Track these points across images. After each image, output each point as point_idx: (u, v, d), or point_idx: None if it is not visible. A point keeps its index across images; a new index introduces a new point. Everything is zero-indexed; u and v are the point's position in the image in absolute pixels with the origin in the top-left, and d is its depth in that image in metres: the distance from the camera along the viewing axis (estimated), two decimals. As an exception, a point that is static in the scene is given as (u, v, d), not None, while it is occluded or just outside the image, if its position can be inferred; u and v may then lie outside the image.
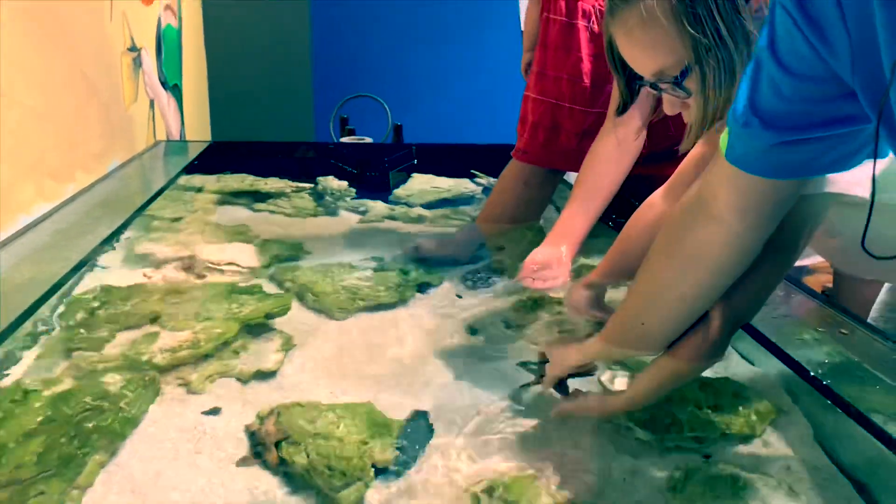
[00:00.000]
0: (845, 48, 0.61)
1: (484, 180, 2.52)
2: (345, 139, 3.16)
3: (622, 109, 1.21)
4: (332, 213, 2.10)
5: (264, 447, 0.95)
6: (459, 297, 1.49)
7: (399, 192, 2.32)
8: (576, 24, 1.70)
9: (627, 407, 1.00)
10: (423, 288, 1.51)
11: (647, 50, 0.97)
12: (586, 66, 1.71)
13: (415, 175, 2.52)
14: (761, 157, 0.75)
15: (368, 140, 3.16)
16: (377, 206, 2.14)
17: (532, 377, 1.14)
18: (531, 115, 1.81)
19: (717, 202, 0.83)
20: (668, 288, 0.91)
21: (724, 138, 0.79)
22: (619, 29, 0.98)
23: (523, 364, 1.19)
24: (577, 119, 1.74)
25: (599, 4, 1.69)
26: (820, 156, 0.73)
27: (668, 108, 1.03)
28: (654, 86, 0.99)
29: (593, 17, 1.69)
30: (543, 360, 1.12)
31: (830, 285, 1.89)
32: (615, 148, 1.51)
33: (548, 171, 1.87)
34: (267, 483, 0.90)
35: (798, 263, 1.60)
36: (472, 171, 2.58)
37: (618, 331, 1.00)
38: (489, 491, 0.88)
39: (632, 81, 1.08)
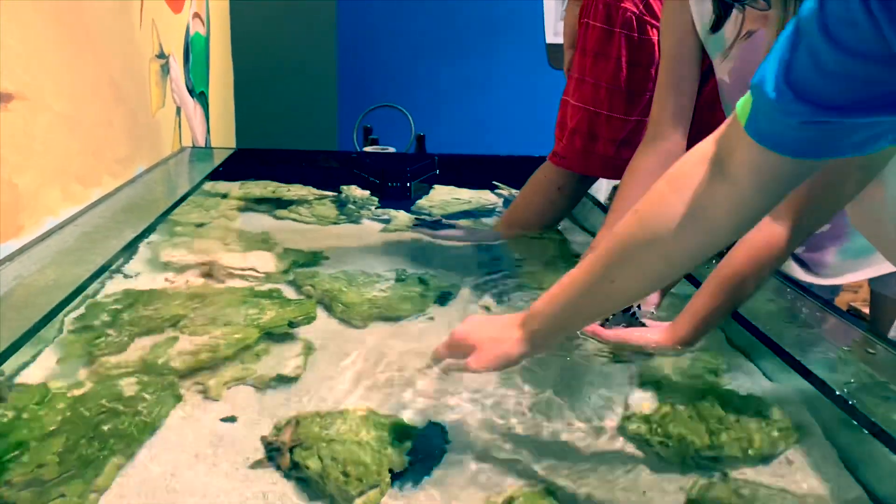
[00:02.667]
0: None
1: (505, 191, 2.52)
2: (368, 149, 3.17)
3: (716, 26, 1.15)
4: (355, 221, 2.11)
5: (279, 453, 0.95)
6: (488, 309, 1.48)
7: (421, 202, 2.33)
8: (615, 31, 1.70)
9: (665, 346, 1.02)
10: (443, 299, 1.51)
11: None
12: (624, 74, 1.71)
13: (437, 186, 2.52)
14: (786, 133, 0.68)
15: (392, 150, 3.17)
16: (399, 216, 2.14)
17: None
18: (570, 120, 1.81)
19: (732, 160, 0.76)
20: (652, 244, 0.82)
21: (742, 106, 0.72)
22: None
23: None
24: (614, 127, 1.73)
25: (640, 11, 1.68)
26: (850, 135, 0.67)
27: (749, 24, 0.98)
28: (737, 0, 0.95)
29: (633, 24, 1.69)
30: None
31: (856, 304, 1.87)
32: (658, 164, 1.49)
33: (580, 178, 1.87)
34: (282, 489, 0.90)
35: (829, 282, 1.59)
36: (493, 182, 2.58)
37: (576, 288, 0.89)
38: (509, 502, 0.87)
39: None
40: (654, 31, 1.68)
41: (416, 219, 2.11)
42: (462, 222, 2.11)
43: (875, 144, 0.68)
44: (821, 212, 1.04)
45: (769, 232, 1.08)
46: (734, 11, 1.02)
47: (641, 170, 1.50)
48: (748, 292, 1.11)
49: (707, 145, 0.81)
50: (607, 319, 1.19)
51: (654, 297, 1.26)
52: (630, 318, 1.17)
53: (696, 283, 1.33)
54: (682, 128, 1.43)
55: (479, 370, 0.97)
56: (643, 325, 1.20)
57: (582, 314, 0.93)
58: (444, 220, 2.07)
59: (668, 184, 0.83)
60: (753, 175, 0.75)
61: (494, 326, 0.99)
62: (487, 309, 1.48)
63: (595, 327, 1.16)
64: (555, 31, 4.93)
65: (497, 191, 2.53)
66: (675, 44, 1.47)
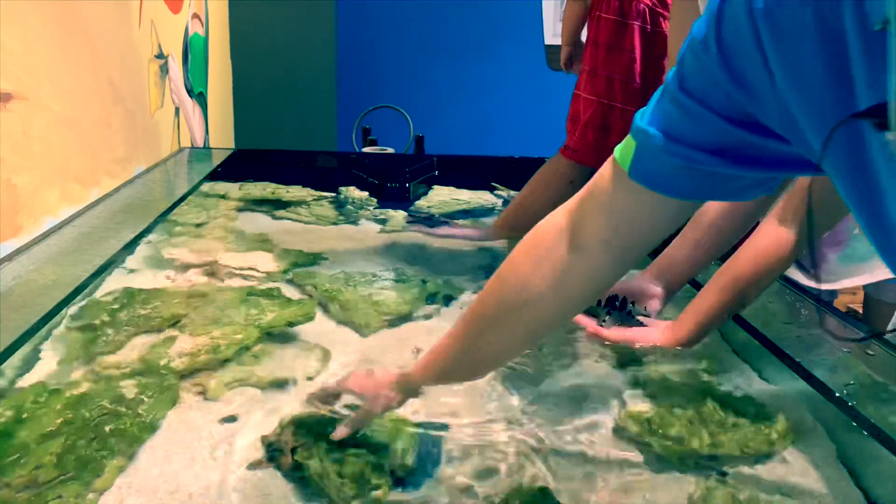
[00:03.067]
0: (767, 90, 0.56)
1: (504, 192, 2.52)
2: (367, 149, 3.17)
3: None
4: (353, 222, 2.11)
5: (281, 453, 0.95)
6: None
7: (420, 203, 2.33)
8: (630, 23, 1.70)
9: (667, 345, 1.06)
10: (442, 299, 1.51)
11: None
12: (639, 66, 1.71)
13: (435, 186, 2.52)
14: (671, 173, 0.68)
15: (390, 150, 3.17)
16: (398, 217, 2.14)
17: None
18: (582, 114, 1.81)
19: (585, 234, 0.78)
20: (513, 312, 0.85)
21: (621, 151, 0.73)
22: None
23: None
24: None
25: (653, 3, 1.68)
26: (727, 181, 0.68)
27: None
28: None
29: (647, 17, 1.69)
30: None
31: (854, 306, 1.88)
32: None
33: (592, 172, 1.87)
34: (283, 490, 0.90)
35: (830, 287, 1.60)
36: (492, 183, 2.58)
37: (448, 353, 0.92)
38: (507, 500, 0.87)
39: None
40: (667, 23, 1.68)
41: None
42: (460, 222, 2.11)
43: (755, 191, 0.70)
44: (826, 217, 1.04)
45: (776, 237, 1.08)
46: None
47: None
48: (751, 296, 1.11)
49: (561, 215, 0.82)
50: (604, 319, 1.19)
51: (656, 303, 1.26)
52: (627, 317, 1.17)
53: (698, 286, 1.33)
54: None
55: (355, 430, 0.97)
56: (641, 324, 1.20)
57: (456, 376, 0.97)
58: (438, 218, 2.07)
59: (526, 254, 0.84)
60: (605, 242, 0.77)
61: (372, 382, 1.00)
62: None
63: (596, 328, 1.17)
64: (553, 33, 4.93)
65: (496, 192, 2.53)
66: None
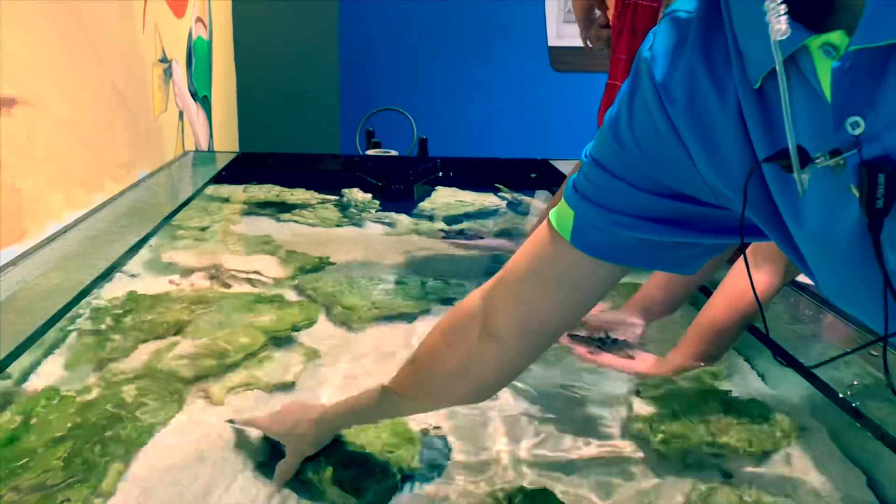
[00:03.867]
0: (685, 165, 0.59)
1: (508, 195, 2.52)
2: (370, 152, 3.17)
3: None
4: (357, 224, 2.11)
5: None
6: None
7: (423, 205, 2.33)
8: None
9: (648, 374, 1.08)
10: (445, 301, 1.51)
11: None
12: None
13: (439, 188, 2.52)
14: (610, 241, 0.68)
15: (394, 153, 3.17)
16: (401, 219, 2.15)
17: None
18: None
19: (497, 321, 0.79)
20: (428, 394, 0.88)
21: (558, 219, 0.71)
22: None
23: None
24: None
25: None
26: (665, 251, 0.68)
27: None
28: None
29: None
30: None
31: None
32: None
33: None
34: (285, 492, 0.90)
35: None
36: (495, 184, 2.58)
37: (368, 407, 0.92)
38: (509, 500, 0.88)
39: None
40: None
41: (441, 230, 2.07)
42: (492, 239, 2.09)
43: (697, 262, 0.70)
44: (795, 267, 1.04)
45: (746, 280, 1.08)
46: None
47: None
48: (731, 337, 1.11)
49: (474, 302, 0.83)
50: (592, 339, 1.20)
51: (637, 331, 1.27)
52: (615, 348, 1.18)
53: (708, 292, 1.33)
54: None
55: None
56: (630, 356, 1.20)
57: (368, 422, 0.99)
58: (470, 232, 2.05)
59: (442, 337, 0.86)
60: (517, 331, 0.78)
61: (291, 419, 0.99)
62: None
63: (583, 351, 1.17)
64: (557, 34, 4.95)
65: (499, 193, 2.53)
66: None
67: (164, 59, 2.64)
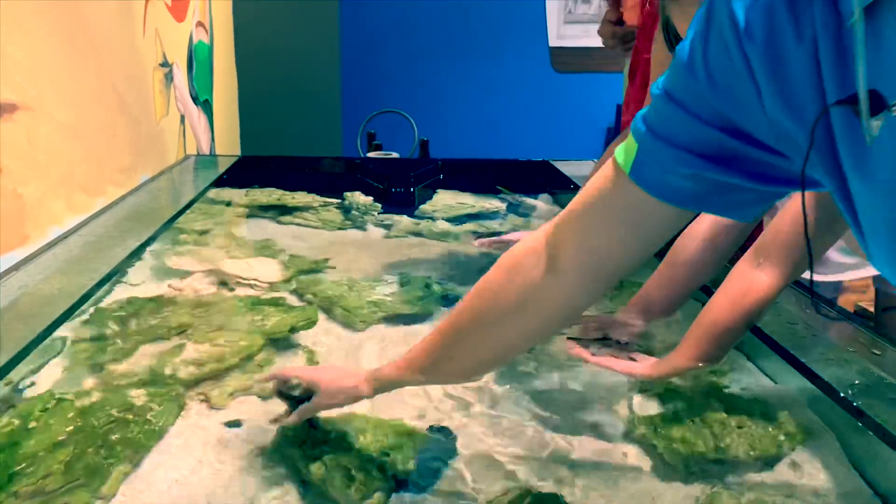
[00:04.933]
0: (755, 104, 0.59)
1: (509, 197, 2.52)
2: (372, 154, 3.18)
3: None
4: (359, 227, 2.11)
5: (284, 459, 0.96)
6: None
7: (425, 207, 2.33)
8: None
9: (644, 377, 1.08)
10: (446, 302, 1.51)
11: None
12: None
13: (440, 190, 2.52)
14: (666, 178, 0.68)
15: (395, 155, 3.17)
16: (403, 221, 2.15)
17: None
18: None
19: (559, 256, 0.79)
20: (486, 328, 0.85)
21: (623, 154, 0.71)
22: (677, 9, 0.96)
23: None
24: None
25: None
26: (723, 193, 0.68)
27: None
28: None
29: None
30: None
31: (863, 304, 1.86)
32: None
33: None
34: (288, 494, 0.90)
35: (832, 279, 1.58)
36: (497, 186, 2.58)
37: (423, 358, 0.91)
38: (511, 504, 0.88)
39: None
40: None
41: (473, 234, 2.06)
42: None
43: (751, 210, 0.70)
44: (805, 258, 1.03)
45: (749, 280, 1.06)
46: None
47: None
48: (732, 338, 1.09)
49: (538, 238, 0.82)
50: (593, 340, 1.20)
51: (638, 330, 1.26)
52: (615, 349, 1.18)
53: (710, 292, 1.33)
54: None
55: (329, 406, 0.99)
56: (622, 350, 1.20)
57: (422, 380, 0.96)
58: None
59: (503, 273, 0.84)
60: (579, 267, 0.78)
61: (338, 371, 1.03)
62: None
63: (583, 353, 1.17)
64: (558, 35, 4.95)
65: (501, 195, 2.53)
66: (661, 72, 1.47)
67: (164, 64, 2.64)
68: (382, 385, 0.96)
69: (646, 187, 0.69)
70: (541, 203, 2.48)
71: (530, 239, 0.83)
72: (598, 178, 0.76)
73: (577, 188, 2.45)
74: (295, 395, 1.00)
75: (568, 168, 2.73)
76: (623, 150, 0.71)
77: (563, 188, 2.56)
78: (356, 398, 0.97)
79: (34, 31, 1.56)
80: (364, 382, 0.96)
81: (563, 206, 2.38)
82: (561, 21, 4.78)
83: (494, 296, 0.84)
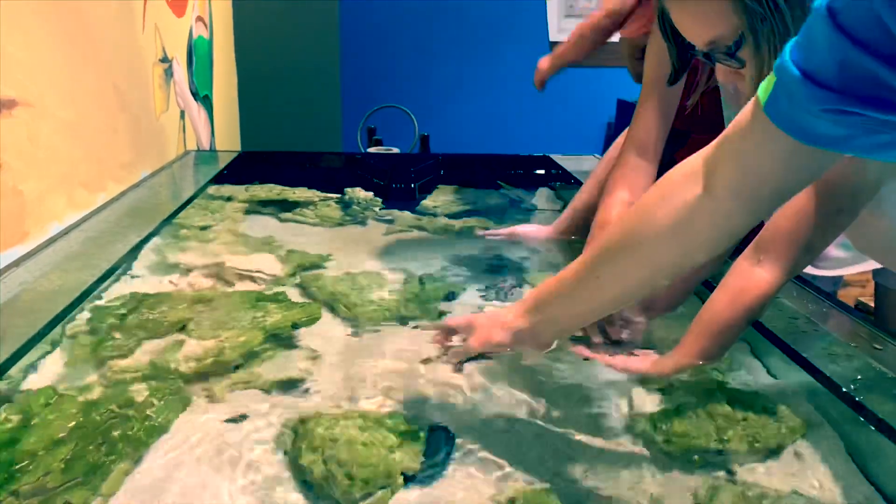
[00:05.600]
0: None
1: (511, 192, 2.51)
2: (372, 149, 3.17)
3: (673, 80, 1.17)
4: (360, 223, 2.11)
5: (287, 456, 0.95)
6: (482, 308, 1.48)
7: (426, 202, 2.33)
8: None
9: (645, 374, 1.09)
10: (447, 298, 1.51)
11: (700, 19, 0.94)
12: None
13: (441, 186, 2.52)
14: (804, 118, 0.67)
15: (396, 150, 3.17)
16: (404, 216, 2.14)
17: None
18: None
19: (715, 177, 0.80)
20: (636, 250, 0.87)
21: (763, 87, 0.72)
22: None
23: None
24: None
25: None
26: (867, 134, 0.66)
27: (721, 77, 0.99)
28: (706, 56, 0.97)
29: None
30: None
31: (863, 299, 1.86)
32: (631, 193, 1.47)
33: None
34: (288, 492, 0.90)
35: (831, 273, 1.58)
36: (498, 181, 2.58)
37: (571, 279, 0.95)
38: (511, 502, 0.87)
39: (684, 51, 1.05)
40: None
41: (479, 229, 2.05)
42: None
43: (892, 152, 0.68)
44: (805, 254, 1.03)
45: (749, 276, 1.07)
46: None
47: (616, 197, 1.49)
48: (733, 335, 1.09)
49: (695, 161, 0.84)
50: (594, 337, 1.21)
51: (639, 327, 1.27)
52: (616, 346, 1.19)
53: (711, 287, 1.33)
54: (655, 150, 1.43)
55: (480, 349, 1.07)
56: (623, 347, 1.20)
57: (572, 312, 0.99)
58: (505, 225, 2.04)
59: (657, 195, 0.86)
60: (735, 190, 0.78)
61: (491, 313, 1.09)
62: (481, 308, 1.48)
63: (584, 350, 1.17)
64: (558, 29, 4.93)
65: (502, 191, 2.53)
66: (657, 66, 1.47)
67: (164, 59, 2.63)
68: (530, 309, 1.00)
69: (778, 123, 0.70)
70: (541, 198, 2.48)
71: (687, 162, 0.84)
72: (738, 115, 0.77)
73: (577, 183, 2.45)
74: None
75: (568, 163, 2.73)
76: (763, 84, 0.72)
77: (563, 183, 2.56)
78: (513, 330, 1.02)
79: (34, 27, 1.56)
80: (518, 317, 1.01)
81: (564, 200, 2.41)
82: (561, 15, 4.76)
83: (649, 216, 0.85)
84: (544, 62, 2.03)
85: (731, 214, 0.81)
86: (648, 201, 0.87)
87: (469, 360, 1.14)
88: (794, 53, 0.67)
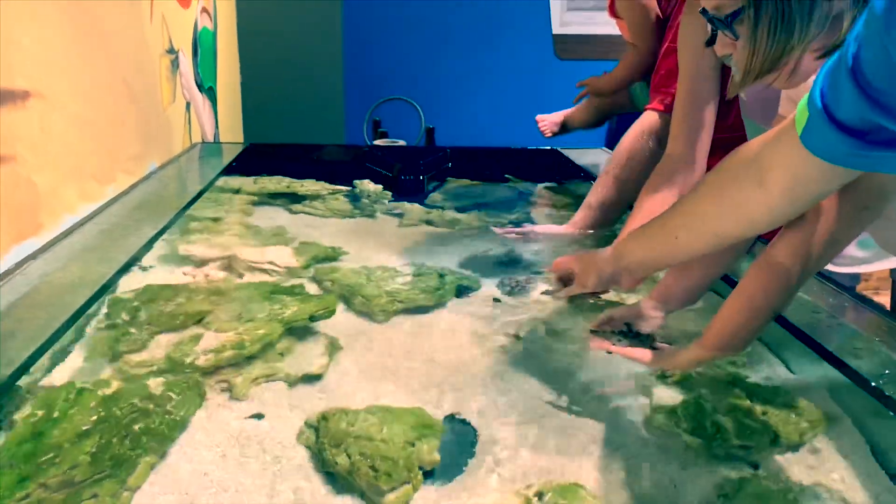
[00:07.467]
0: None
1: (518, 185, 2.51)
2: (378, 142, 3.17)
3: (710, 41, 1.16)
4: (370, 215, 2.11)
5: (309, 450, 0.96)
6: (497, 300, 1.48)
7: (434, 195, 2.32)
8: None
9: (666, 368, 1.14)
10: (461, 292, 1.51)
11: None
12: None
13: (449, 179, 2.52)
14: (836, 149, 0.74)
15: (402, 143, 3.16)
16: (413, 209, 2.14)
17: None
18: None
19: (770, 174, 0.87)
20: (707, 219, 1.00)
21: (800, 113, 0.77)
22: None
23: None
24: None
25: None
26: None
27: (718, 48, 1.01)
28: (711, 20, 0.98)
29: None
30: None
31: (866, 293, 1.86)
32: (672, 191, 1.48)
33: None
34: (313, 485, 0.90)
35: (850, 270, 1.58)
36: (506, 175, 2.57)
37: (651, 235, 1.13)
38: (539, 495, 0.88)
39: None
40: None
41: (492, 225, 2.04)
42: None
43: None
44: (830, 249, 1.03)
45: (771, 270, 1.05)
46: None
47: (657, 194, 1.49)
48: (753, 331, 1.08)
49: (755, 149, 0.89)
50: (613, 332, 1.22)
51: (656, 323, 1.27)
52: (636, 340, 1.19)
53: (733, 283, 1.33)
54: (701, 146, 1.43)
55: (581, 291, 1.36)
56: (643, 341, 1.21)
57: (654, 257, 1.15)
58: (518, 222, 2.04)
59: (719, 175, 0.96)
60: (787, 189, 0.86)
61: (589, 256, 1.33)
62: (497, 300, 1.48)
63: (602, 343, 1.18)
64: (561, 22, 4.92)
65: (510, 184, 2.53)
66: (692, 59, 1.46)
67: (171, 51, 2.62)
68: (616, 257, 1.24)
69: (814, 152, 0.77)
70: (549, 191, 2.47)
71: (744, 151, 0.92)
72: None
73: (586, 176, 2.45)
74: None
75: (575, 156, 2.73)
76: (800, 109, 0.77)
77: (571, 176, 2.56)
78: (603, 275, 1.27)
79: (45, 19, 1.55)
80: (607, 264, 1.25)
81: (572, 194, 2.42)
82: (564, 8, 4.75)
83: (707, 199, 0.99)
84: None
85: (780, 209, 0.90)
86: (713, 188, 0.98)
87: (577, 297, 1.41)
88: (825, 94, 0.71)
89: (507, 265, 1.69)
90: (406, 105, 3.81)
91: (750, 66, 0.94)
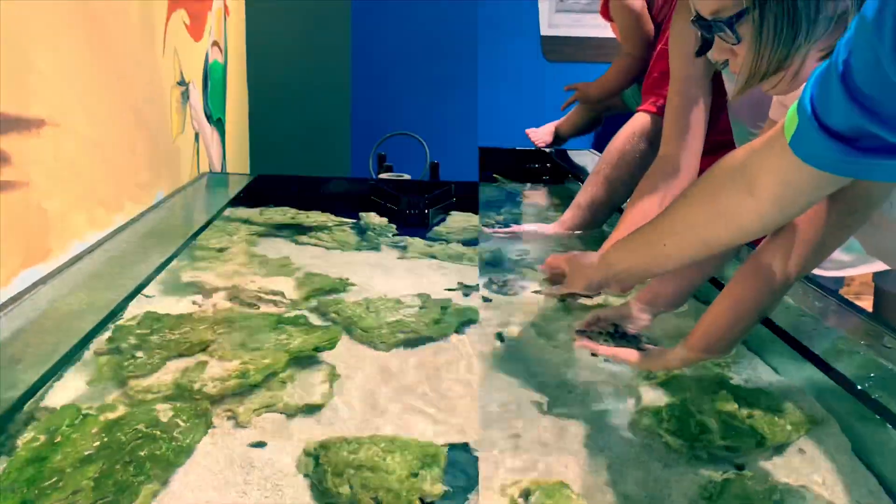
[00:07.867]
0: None
1: (506, 185, 2.53)
2: (384, 175, 3.19)
3: (701, 51, 1.17)
4: (375, 248, 2.12)
5: (310, 479, 0.96)
6: (488, 300, 1.48)
7: (438, 229, 2.34)
8: None
9: (652, 368, 1.15)
10: (463, 324, 1.51)
11: None
12: None
13: (454, 213, 2.54)
14: (826, 156, 0.73)
15: (407, 177, 3.18)
16: (416, 243, 2.15)
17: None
18: None
19: (758, 182, 0.86)
20: (694, 227, 0.99)
21: (790, 119, 0.77)
22: None
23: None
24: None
25: None
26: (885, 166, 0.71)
27: (716, 54, 0.99)
28: (707, 27, 0.97)
29: None
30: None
31: (847, 297, 1.87)
32: (664, 194, 1.50)
33: None
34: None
35: (834, 274, 1.59)
36: (493, 174, 2.58)
37: (638, 243, 1.10)
38: (525, 495, 0.89)
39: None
40: None
41: (485, 225, 2.10)
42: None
43: None
44: (817, 253, 1.04)
45: (758, 273, 1.06)
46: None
47: (649, 197, 1.51)
48: (739, 333, 1.08)
49: (744, 156, 0.89)
50: (600, 333, 1.22)
51: (645, 322, 1.28)
52: (622, 340, 1.20)
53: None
54: (693, 149, 1.45)
55: (570, 291, 1.30)
56: (629, 342, 1.21)
57: (642, 265, 1.13)
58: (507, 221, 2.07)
59: (706, 189, 0.96)
60: (776, 198, 0.86)
61: (579, 260, 1.28)
62: (500, 336, 1.49)
63: (588, 343, 1.19)
64: (549, 24, 4.91)
65: (497, 183, 2.54)
66: (683, 65, 1.48)
67: (181, 82, 2.66)
68: (604, 265, 1.20)
69: (803, 158, 0.77)
70: (538, 191, 2.49)
71: (733, 158, 0.92)
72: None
73: (574, 177, 2.47)
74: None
75: (563, 157, 2.76)
76: (789, 115, 0.77)
77: (559, 177, 2.57)
78: (591, 281, 1.23)
79: (61, 47, 1.58)
80: (596, 270, 1.21)
81: (560, 195, 2.43)
82: (552, 10, 4.73)
83: (699, 203, 0.98)
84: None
85: (768, 217, 0.90)
86: (702, 194, 0.97)
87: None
88: (814, 100, 0.71)
89: (495, 265, 1.70)
90: (410, 139, 3.85)
91: (755, 68, 0.93)
